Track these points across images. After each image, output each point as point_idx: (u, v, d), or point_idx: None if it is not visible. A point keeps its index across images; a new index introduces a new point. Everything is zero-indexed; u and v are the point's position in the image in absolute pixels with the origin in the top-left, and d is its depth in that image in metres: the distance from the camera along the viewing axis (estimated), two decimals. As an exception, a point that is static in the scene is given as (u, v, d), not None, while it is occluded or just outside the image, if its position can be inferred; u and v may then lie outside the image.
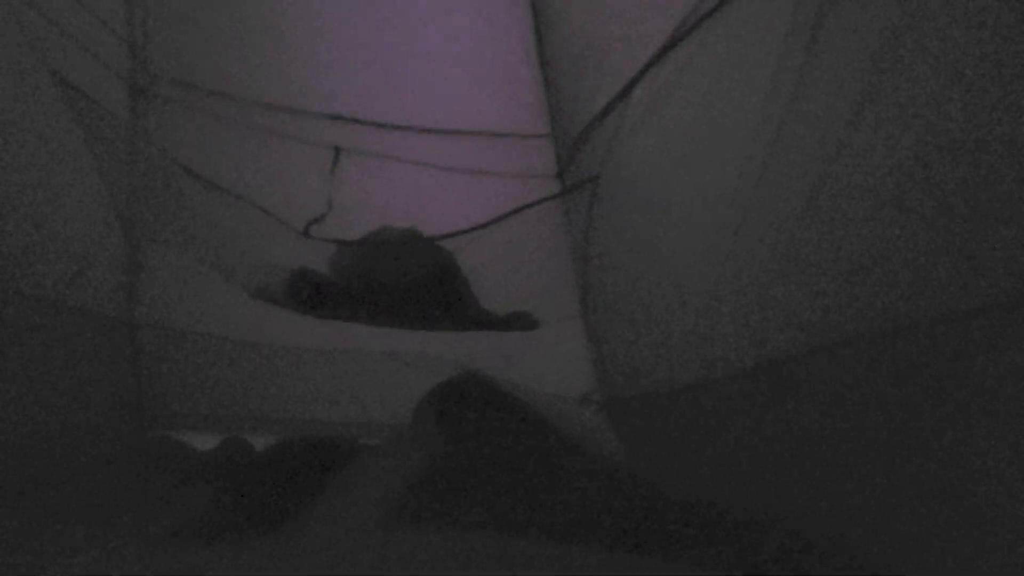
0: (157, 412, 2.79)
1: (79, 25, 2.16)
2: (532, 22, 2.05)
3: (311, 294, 2.41)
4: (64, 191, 2.24)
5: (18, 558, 1.34)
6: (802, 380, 1.34)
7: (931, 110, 1.03)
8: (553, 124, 2.20)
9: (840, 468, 1.24)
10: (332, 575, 1.21)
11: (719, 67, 1.54)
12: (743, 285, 1.53)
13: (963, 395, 1.00)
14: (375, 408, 2.72)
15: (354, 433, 2.62)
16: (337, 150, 2.52)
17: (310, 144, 2.54)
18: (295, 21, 2.49)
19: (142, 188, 2.44)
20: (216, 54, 2.53)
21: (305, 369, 2.77)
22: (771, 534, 1.28)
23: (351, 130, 2.50)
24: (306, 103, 2.55)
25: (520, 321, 2.30)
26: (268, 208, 2.47)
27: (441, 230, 2.17)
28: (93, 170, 2.32)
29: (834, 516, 1.24)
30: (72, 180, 2.28)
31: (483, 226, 1.90)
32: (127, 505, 1.78)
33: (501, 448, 1.98)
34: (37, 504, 1.74)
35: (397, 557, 1.29)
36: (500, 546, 1.31)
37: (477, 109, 2.35)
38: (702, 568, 1.18)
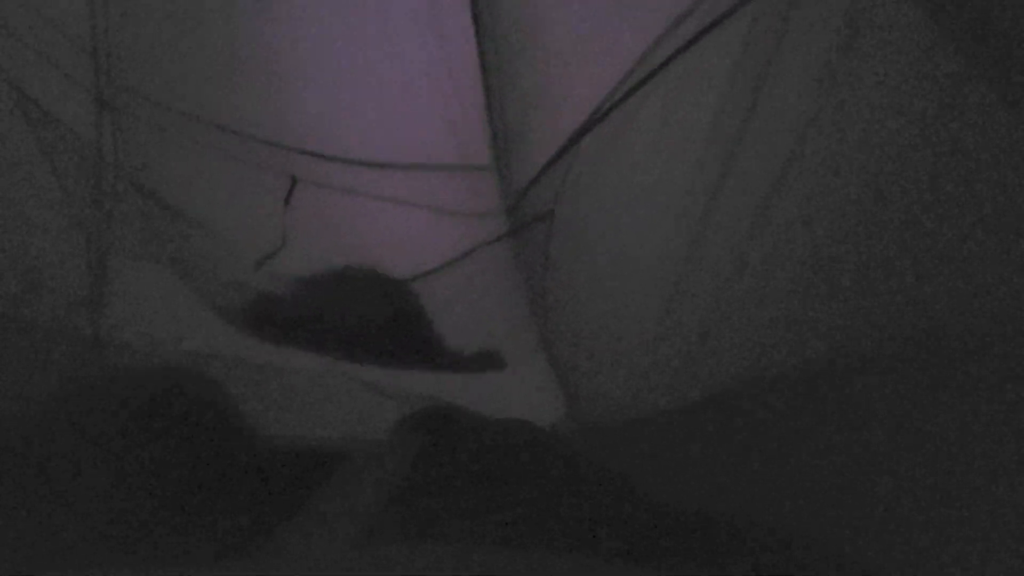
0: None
1: (40, 35, 2.07)
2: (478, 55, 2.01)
3: (268, 325, 2.37)
4: (21, 200, 2.17)
5: None
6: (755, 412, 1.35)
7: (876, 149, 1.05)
8: (500, 158, 2.17)
9: (846, 483, 1.24)
10: None
11: (673, 102, 1.54)
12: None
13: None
14: (358, 424, 2.68)
15: (337, 448, 2.57)
16: (293, 179, 2.44)
17: (267, 171, 2.47)
18: (257, 41, 2.41)
19: (106, 200, 2.36)
20: (179, 72, 2.44)
21: (287, 386, 2.71)
22: (776, 545, 1.28)
23: (308, 160, 2.43)
24: (263, 129, 2.47)
25: (487, 361, 2.27)
26: (227, 233, 2.42)
27: (401, 266, 2.13)
28: (53, 180, 2.25)
29: (842, 531, 1.25)
30: (31, 190, 2.20)
31: (437, 269, 1.87)
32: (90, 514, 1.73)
33: (484, 460, 1.96)
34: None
35: (371, 573, 1.27)
36: (482, 559, 1.29)
37: (428, 142, 2.29)
38: None
